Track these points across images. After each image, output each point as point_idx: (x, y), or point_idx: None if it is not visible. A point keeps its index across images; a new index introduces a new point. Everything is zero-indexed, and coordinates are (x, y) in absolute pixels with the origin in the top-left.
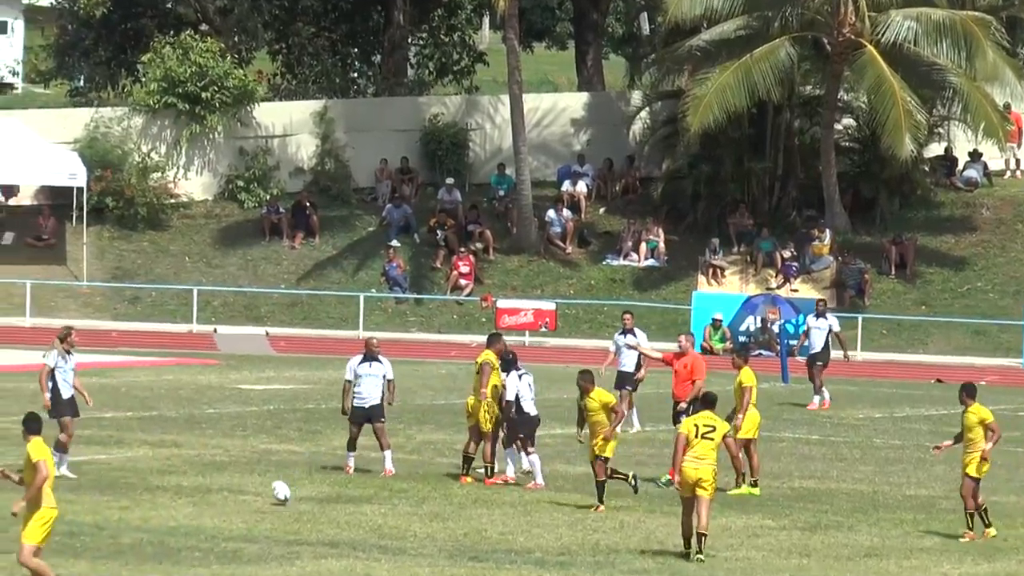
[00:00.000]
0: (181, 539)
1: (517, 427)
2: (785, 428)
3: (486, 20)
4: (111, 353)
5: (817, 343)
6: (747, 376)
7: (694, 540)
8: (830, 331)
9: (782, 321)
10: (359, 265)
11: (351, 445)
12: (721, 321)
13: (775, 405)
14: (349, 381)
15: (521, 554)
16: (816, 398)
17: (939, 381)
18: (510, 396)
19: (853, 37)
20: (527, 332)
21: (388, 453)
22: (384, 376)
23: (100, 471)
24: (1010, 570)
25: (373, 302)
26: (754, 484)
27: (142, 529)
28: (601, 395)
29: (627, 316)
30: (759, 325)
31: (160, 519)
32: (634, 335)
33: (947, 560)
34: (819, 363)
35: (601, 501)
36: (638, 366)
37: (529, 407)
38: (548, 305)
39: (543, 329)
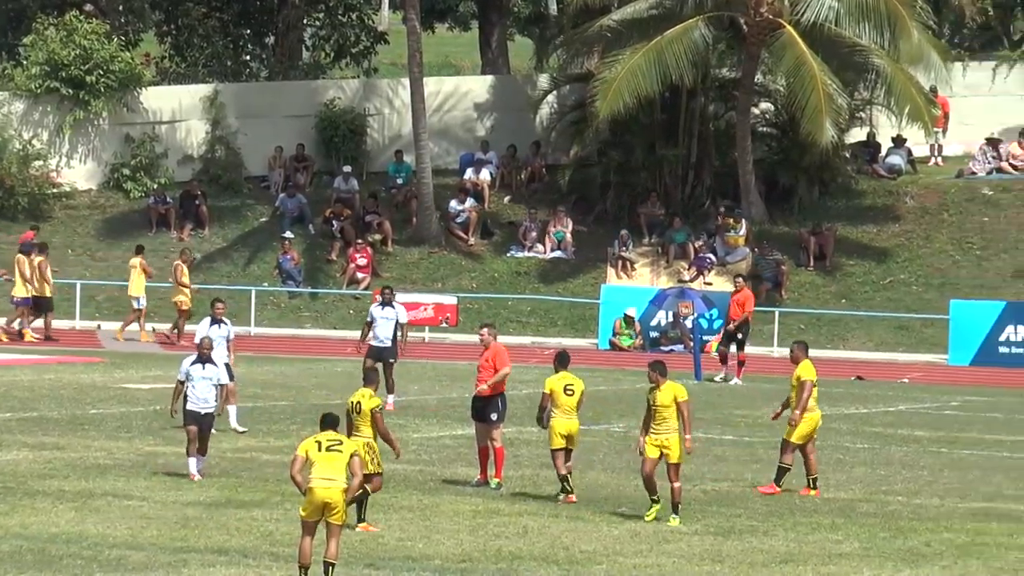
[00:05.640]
0: (63, 546)
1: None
2: (697, 427)
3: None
4: None
5: (384, 335)
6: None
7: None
8: (397, 322)
9: (695, 315)
10: (251, 258)
11: (191, 450)
12: (634, 317)
13: None
14: (181, 382)
15: (419, 561)
16: (390, 397)
17: (859, 378)
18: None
19: (771, 17)
20: (427, 328)
21: (202, 459)
22: (218, 380)
23: None
24: None
25: (265, 296)
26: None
27: (21, 536)
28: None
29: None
30: (670, 320)
31: (40, 525)
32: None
33: (867, 566)
34: (390, 360)
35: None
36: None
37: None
38: (449, 299)
39: (444, 325)
